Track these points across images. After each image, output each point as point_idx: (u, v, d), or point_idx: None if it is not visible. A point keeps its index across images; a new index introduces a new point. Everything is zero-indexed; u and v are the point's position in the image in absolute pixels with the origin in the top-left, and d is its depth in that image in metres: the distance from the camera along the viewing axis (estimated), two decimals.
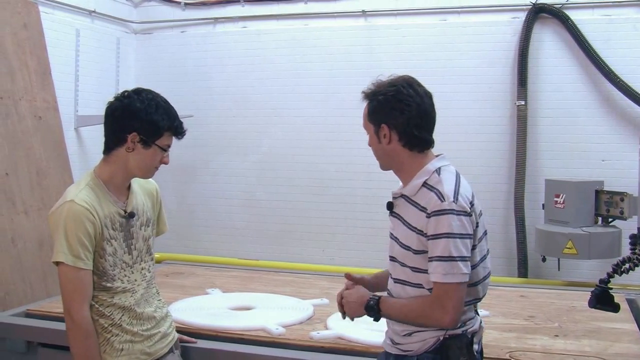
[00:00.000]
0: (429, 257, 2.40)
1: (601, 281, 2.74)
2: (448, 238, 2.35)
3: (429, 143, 2.56)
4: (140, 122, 2.68)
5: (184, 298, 4.28)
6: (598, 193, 5.49)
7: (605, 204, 5.41)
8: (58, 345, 3.54)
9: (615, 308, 2.76)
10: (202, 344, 3.40)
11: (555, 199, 5.60)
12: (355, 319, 2.65)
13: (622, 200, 5.27)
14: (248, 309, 4.06)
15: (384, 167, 2.63)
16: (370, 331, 3.37)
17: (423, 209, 2.43)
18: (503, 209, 6.34)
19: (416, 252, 2.45)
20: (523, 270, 6.13)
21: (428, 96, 2.56)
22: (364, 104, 2.61)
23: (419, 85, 2.58)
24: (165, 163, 2.81)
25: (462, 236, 2.38)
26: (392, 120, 2.50)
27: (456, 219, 2.37)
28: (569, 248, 5.38)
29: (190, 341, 3.36)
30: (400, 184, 2.61)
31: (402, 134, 2.50)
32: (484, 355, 3.17)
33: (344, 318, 2.67)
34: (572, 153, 6.14)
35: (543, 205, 5.80)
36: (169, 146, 2.78)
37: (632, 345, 3.37)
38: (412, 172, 2.52)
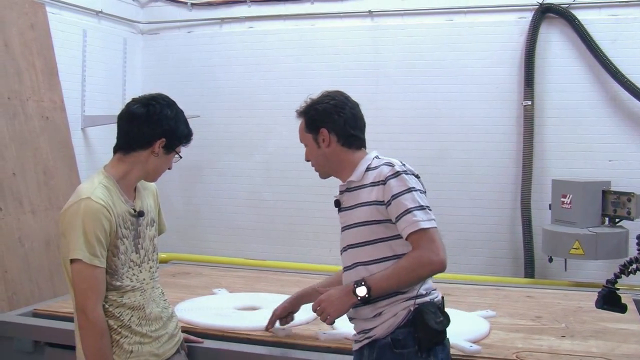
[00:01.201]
0: (397, 216, 2.55)
1: (608, 282, 2.73)
2: (412, 191, 2.58)
3: (363, 141, 2.83)
4: (170, 130, 2.77)
5: (190, 298, 4.28)
6: (605, 193, 5.49)
7: (612, 204, 5.41)
8: (65, 345, 3.55)
9: (622, 309, 2.76)
10: (208, 344, 3.40)
11: (562, 199, 5.60)
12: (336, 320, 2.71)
13: (629, 200, 5.27)
14: (254, 309, 4.06)
15: (325, 173, 2.89)
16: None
17: (376, 183, 2.64)
18: (509, 209, 6.34)
19: (378, 222, 2.61)
20: (529, 270, 6.12)
21: (357, 104, 2.85)
22: (298, 122, 2.87)
23: (348, 96, 2.86)
24: (170, 168, 2.91)
25: (421, 191, 2.62)
26: (331, 124, 2.77)
27: (411, 177, 2.63)
28: (575, 248, 5.37)
29: (197, 341, 3.36)
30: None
31: (340, 135, 2.77)
32: (490, 356, 3.19)
33: (331, 324, 2.73)
34: (579, 153, 6.13)
35: (550, 205, 5.80)
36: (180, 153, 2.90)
37: (639, 347, 3.36)
38: (353, 166, 2.76)
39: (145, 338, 2.79)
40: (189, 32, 7.39)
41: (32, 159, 5.25)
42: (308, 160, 2.88)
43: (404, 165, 2.66)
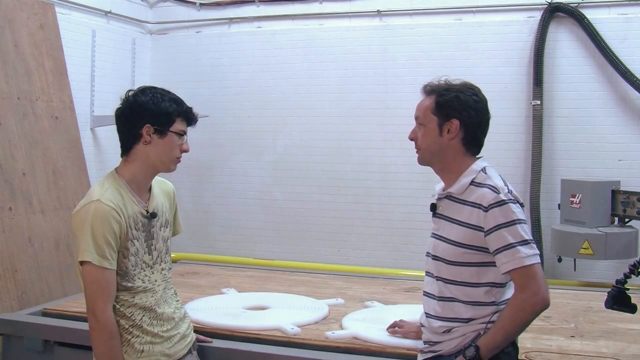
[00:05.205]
0: (497, 248, 2.42)
1: (618, 282, 2.72)
2: (516, 224, 2.42)
3: (481, 149, 2.66)
4: (150, 112, 2.71)
5: (200, 298, 4.29)
6: (614, 193, 5.46)
7: (622, 204, 5.39)
8: (75, 344, 3.57)
9: (632, 309, 2.74)
10: (217, 343, 3.40)
11: (572, 199, 5.58)
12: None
13: (638, 200, 5.24)
14: (263, 308, 4.07)
15: (427, 161, 2.66)
16: (385, 331, 3.38)
17: (476, 205, 2.48)
18: None
19: (472, 247, 2.48)
20: None
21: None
22: (421, 95, 2.73)
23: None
24: (186, 151, 2.83)
25: (524, 222, 2.46)
26: (467, 119, 2.57)
27: (516, 207, 2.46)
28: (585, 248, 5.35)
29: (206, 340, 3.37)
30: (441, 184, 2.67)
31: (468, 133, 2.58)
32: None
33: None
34: (588, 153, 6.11)
35: (559, 205, 5.78)
36: (184, 132, 2.81)
37: None
38: (458, 172, 2.58)
39: (157, 338, 2.80)
40: (197, 32, 7.40)
41: (42, 159, 5.27)
42: (412, 139, 2.68)
43: (510, 192, 2.49)
